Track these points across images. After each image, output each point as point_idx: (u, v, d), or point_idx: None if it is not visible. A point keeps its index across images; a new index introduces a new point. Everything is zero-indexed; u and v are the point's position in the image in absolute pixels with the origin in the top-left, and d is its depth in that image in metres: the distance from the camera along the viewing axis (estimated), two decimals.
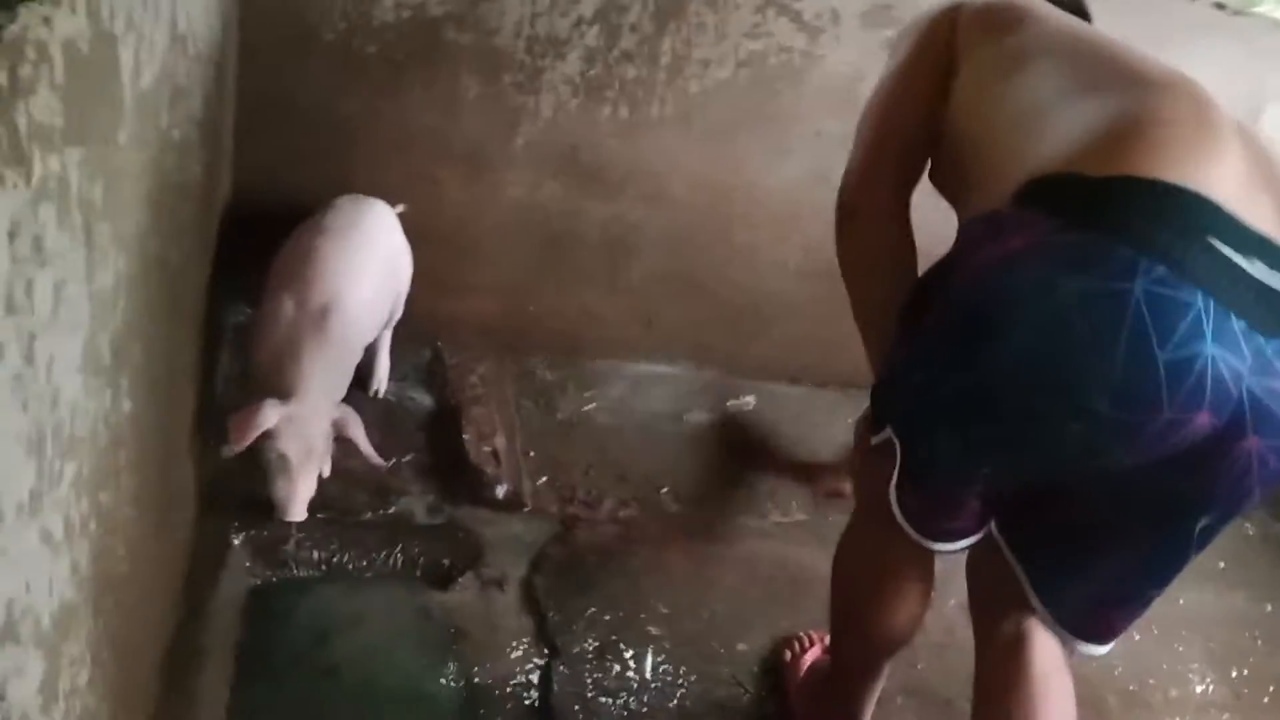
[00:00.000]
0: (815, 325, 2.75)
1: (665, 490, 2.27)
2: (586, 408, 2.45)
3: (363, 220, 2.02)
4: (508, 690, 1.76)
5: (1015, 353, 1.16)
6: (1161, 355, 1.09)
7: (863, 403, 1.50)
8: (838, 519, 2.31)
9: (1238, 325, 1.10)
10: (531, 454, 2.25)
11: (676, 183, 2.45)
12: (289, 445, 1.75)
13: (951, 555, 1.44)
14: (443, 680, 1.76)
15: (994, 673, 1.44)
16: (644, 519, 2.19)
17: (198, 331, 1.75)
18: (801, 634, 1.95)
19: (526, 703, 1.75)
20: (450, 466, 2.15)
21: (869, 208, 1.53)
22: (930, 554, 1.46)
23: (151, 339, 1.25)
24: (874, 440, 1.40)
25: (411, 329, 2.42)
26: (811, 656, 1.89)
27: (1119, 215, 1.12)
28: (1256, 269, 1.11)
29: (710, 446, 2.45)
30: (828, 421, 2.67)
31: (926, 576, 1.52)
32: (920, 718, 1.90)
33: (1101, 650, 1.41)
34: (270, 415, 1.71)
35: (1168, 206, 1.12)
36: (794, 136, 2.44)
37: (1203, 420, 1.12)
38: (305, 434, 1.75)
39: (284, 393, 1.74)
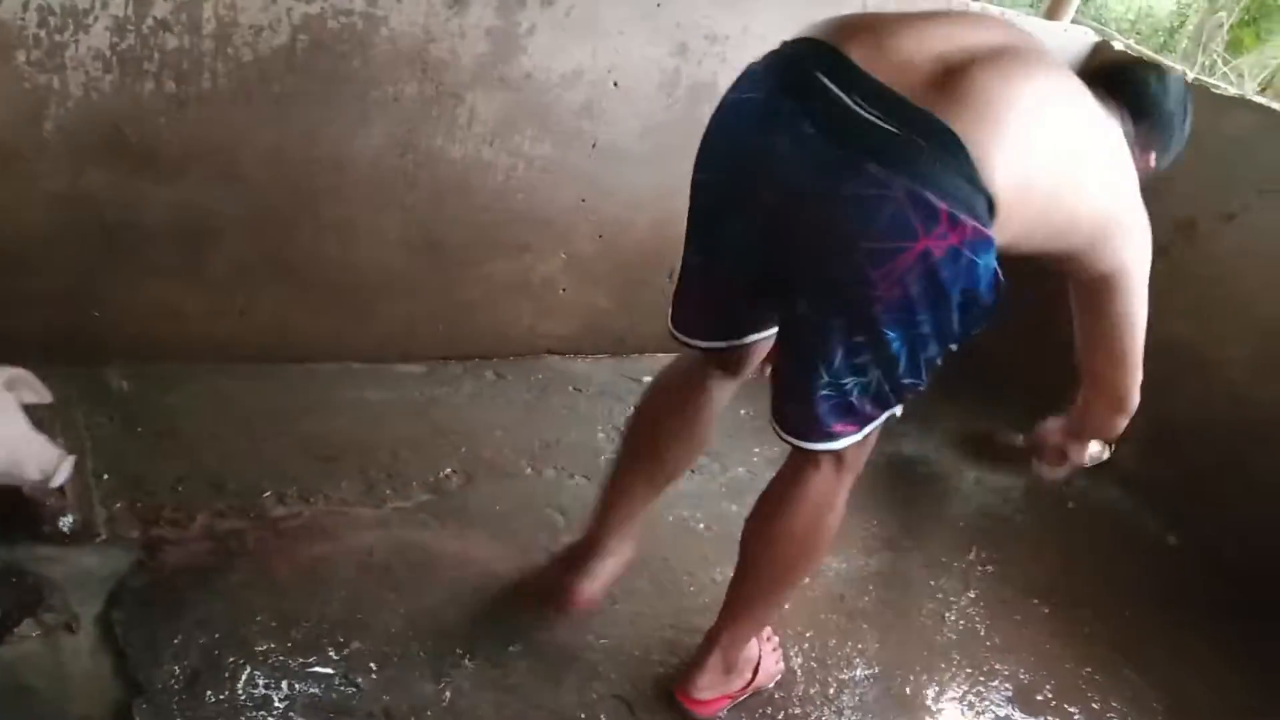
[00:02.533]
0: (428, 299, 2.67)
1: (268, 495, 2.10)
2: (173, 416, 2.23)
3: None
4: None
5: (701, 147, 1.60)
6: (749, 138, 1.47)
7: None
8: (462, 497, 2.28)
9: (809, 128, 1.39)
10: (106, 477, 2.01)
11: (248, 160, 2.26)
12: None
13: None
14: None
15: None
16: (244, 529, 2.02)
17: None
18: None
19: None
20: (2, 505, 1.87)
21: None
22: (712, 372, 1.83)
23: None
24: None
25: None
26: None
27: (778, 59, 1.51)
28: (852, 99, 1.39)
29: (321, 441, 2.30)
30: (451, 397, 2.61)
31: (707, 393, 1.85)
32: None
33: (811, 445, 1.63)
34: None
35: (806, 53, 1.47)
36: (371, 103, 2.32)
37: (767, 194, 1.45)
38: None
39: None
